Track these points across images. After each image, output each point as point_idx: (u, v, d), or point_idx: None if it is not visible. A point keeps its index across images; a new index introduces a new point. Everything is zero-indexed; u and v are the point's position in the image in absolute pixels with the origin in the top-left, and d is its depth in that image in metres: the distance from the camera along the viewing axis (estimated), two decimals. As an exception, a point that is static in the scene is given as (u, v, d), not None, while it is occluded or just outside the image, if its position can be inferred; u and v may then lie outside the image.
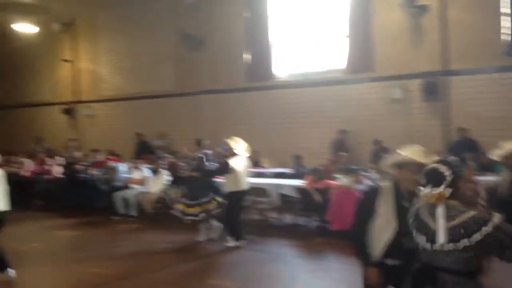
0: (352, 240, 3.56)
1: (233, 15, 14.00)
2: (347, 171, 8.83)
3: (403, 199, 3.36)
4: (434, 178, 2.78)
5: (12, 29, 17.85)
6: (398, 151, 3.49)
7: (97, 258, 7.63)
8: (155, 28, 15.69)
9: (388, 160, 3.53)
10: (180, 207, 8.35)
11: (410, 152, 3.40)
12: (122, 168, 11.95)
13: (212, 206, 8.22)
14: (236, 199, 8.09)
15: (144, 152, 14.19)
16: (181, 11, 14.73)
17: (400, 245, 3.28)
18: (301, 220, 9.61)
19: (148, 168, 11.38)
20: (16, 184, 12.54)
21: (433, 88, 11.20)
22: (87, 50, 17.85)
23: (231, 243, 7.99)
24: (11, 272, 6.28)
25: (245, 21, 13.78)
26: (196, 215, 8.19)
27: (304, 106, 12.96)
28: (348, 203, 7.59)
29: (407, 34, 11.51)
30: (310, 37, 13.30)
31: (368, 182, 8.44)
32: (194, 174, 8.40)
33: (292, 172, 11.03)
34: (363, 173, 8.99)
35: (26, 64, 19.68)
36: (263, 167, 12.55)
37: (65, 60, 18.08)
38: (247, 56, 13.89)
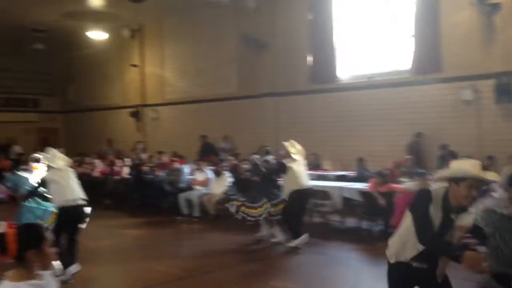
0: (425, 243, 3.25)
1: (297, 17, 13.97)
2: (413, 175, 8.55)
3: (452, 212, 3.20)
4: None
5: (84, 36, 18.78)
6: (453, 164, 3.29)
7: (162, 257, 7.84)
8: (219, 32, 15.97)
9: (444, 173, 3.30)
10: (236, 203, 8.45)
11: (469, 166, 3.17)
12: (186, 169, 12.24)
13: (271, 209, 8.20)
14: (297, 198, 8.00)
15: (208, 154, 14.48)
16: (244, 15, 14.90)
17: (433, 253, 3.21)
18: (364, 224, 9.42)
19: (211, 170, 11.57)
20: (88, 184, 13.21)
21: (506, 89, 10.63)
22: (154, 55, 18.46)
23: (292, 243, 7.94)
24: (73, 269, 6.41)
25: (309, 23, 13.69)
26: (254, 216, 8.22)
27: (367, 108, 12.70)
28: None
29: (478, 33, 11.00)
30: (373, 37, 13.02)
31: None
32: (254, 178, 8.50)
33: (355, 175, 10.83)
34: (430, 177, 8.66)
35: (97, 69, 20.66)
36: (325, 169, 12.43)
37: (133, 65, 18.80)
38: (310, 59, 13.81)
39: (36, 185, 6.87)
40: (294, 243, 7.93)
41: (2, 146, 17.74)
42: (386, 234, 8.31)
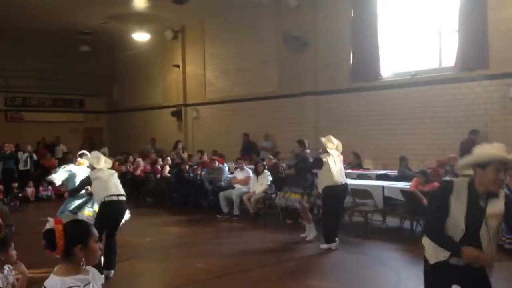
0: (428, 235, 3.25)
1: (339, 14, 13.81)
2: (457, 174, 8.31)
3: (480, 199, 3.05)
4: None
5: (128, 38, 19.22)
6: (478, 149, 3.14)
7: (202, 255, 7.93)
8: (260, 31, 16.01)
9: (469, 158, 3.13)
10: (281, 195, 8.67)
11: (494, 149, 3.05)
12: (227, 168, 12.34)
13: (305, 199, 8.26)
14: (331, 194, 7.90)
15: (249, 152, 14.56)
16: (285, 13, 14.87)
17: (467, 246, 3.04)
18: (406, 224, 9.24)
19: (251, 168, 11.61)
20: (130, 183, 13.55)
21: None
22: (195, 55, 18.68)
23: (324, 245, 7.87)
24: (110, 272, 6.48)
25: (351, 20, 13.52)
26: (294, 200, 8.36)
27: (410, 106, 12.43)
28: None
29: (527, 28, 10.58)
30: (417, 34, 12.73)
31: None
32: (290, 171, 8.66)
33: (397, 174, 10.64)
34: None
35: (141, 70, 21.10)
36: (366, 168, 12.27)
37: (175, 66, 19.10)
38: (352, 56, 13.62)
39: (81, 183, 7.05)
40: (324, 246, 7.86)
41: (48, 145, 18.34)
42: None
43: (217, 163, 12.33)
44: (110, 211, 6.38)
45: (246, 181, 11.35)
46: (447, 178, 3.32)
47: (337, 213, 8.12)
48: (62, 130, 20.51)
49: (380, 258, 7.32)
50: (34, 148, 16.69)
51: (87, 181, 6.67)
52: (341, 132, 13.73)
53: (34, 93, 21.39)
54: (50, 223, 2.48)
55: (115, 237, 6.54)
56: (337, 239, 7.89)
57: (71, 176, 7.50)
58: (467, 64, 11.38)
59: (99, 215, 6.42)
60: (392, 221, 9.55)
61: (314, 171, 8.25)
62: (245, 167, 11.75)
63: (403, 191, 8.81)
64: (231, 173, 12.23)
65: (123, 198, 6.55)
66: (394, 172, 10.92)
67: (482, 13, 11.12)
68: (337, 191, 7.94)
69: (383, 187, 9.23)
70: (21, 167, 15.30)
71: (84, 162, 7.33)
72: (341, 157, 8.25)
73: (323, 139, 8.09)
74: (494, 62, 11.02)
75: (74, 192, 6.98)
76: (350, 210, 9.46)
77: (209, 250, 8.29)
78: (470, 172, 3.13)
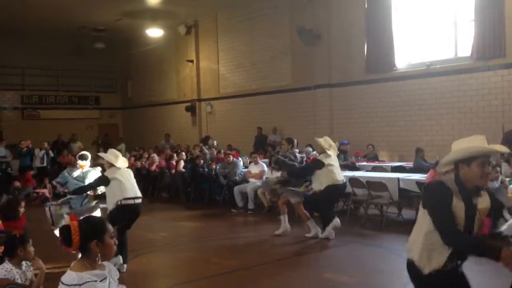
0: (458, 246, 2.91)
1: (353, 6, 13.70)
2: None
3: (473, 197, 2.92)
4: None
5: (142, 34, 19.31)
6: (458, 144, 2.97)
7: (217, 249, 7.97)
8: (273, 24, 15.96)
9: (451, 156, 2.94)
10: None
11: (478, 143, 2.89)
12: (241, 162, 12.36)
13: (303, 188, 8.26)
14: (332, 192, 7.95)
15: (262, 146, 14.56)
16: (298, 6, 14.80)
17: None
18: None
19: (266, 162, 11.61)
20: (146, 178, 13.65)
21: None
22: (208, 50, 18.71)
23: (323, 234, 7.99)
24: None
25: (365, 12, 13.40)
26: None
27: (426, 97, 12.32)
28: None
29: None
30: (431, 23, 12.57)
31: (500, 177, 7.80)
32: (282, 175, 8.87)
33: (412, 165, 10.55)
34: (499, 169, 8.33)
35: (155, 66, 21.20)
36: (382, 160, 12.20)
37: (189, 61, 19.15)
38: (366, 48, 13.50)
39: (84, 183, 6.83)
40: (324, 234, 7.97)
41: (64, 142, 18.49)
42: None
43: (231, 157, 12.35)
44: (125, 214, 6.39)
45: (260, 175, 11.35)
46: (436, 180, 2.95)
47: (329, 207, 8.22)
48: (78, 127, 20.73)
49: (395, 251, 7.27)
50: (51, 145, 16.83)
51: (104, 180, 6.48)
52: (355, 124, 13.74)
53: (50, 91, 21.64)
54: (66, 220, 2.51)
55: (125, 233, 6.57)
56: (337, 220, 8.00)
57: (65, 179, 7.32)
58: (483, 53, 11.21)
59: (113, 216, 6.28)
60: (408, 214, 9.48)
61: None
62: (259, 161, 11.76)
63: (419, 183, 8.73)
64: (246, 167, 12.24)
65: (140, 200, 6.58)
66: (410, 164, 10.84)
67: (499, 2, 10.94)
68: (339, 190, 8.07)
69: (398, 179, 9.16)
70: (37, 164, 15.49)
71: (85, 164, 7.01)
72: (337, 157, 8.29)
73: (321, 140, 8.04)
74: (511, 51, 10.84)
75: (87, 189, 6.64)
76: (366, 203, 9.42)
77: (224, 244, 8.32)
78: (447, 168, 3.01)
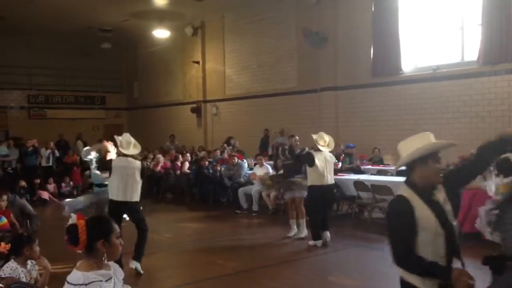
0: (405, 265, 2.75)
1: (359, 9, 13.68)
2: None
3: (431, 195, 2.79)
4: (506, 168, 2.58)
5: (149, 35, 19.36)
6: (408, 145, 2.88)
7: (221, 250, 7.96)
8: (279, 26, 15.97)
9: (408, 157, 2.82)
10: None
11: (430, 140, 2.87)
12: (246, 164, 12.36)
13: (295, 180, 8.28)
14: (316, 194, 7.85)
15: (267, 148, 14.56)
16: (305, 8, 14.80)
17: (457, 247, 2.78)
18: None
19: (271, 164, 11.60)
20: (150, 179, 13.66)
21: None
22: (215, 51, 18.73)
23: (311, 242, 7.88)
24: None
25: (371, 15, 13.38)
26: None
27: (432, 101, 12.28)
28: (477, 203, 7.06)
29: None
30: (438, 27, 12.54)
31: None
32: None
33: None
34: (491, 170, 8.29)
35: (161, 66, 21.25)
36: (387, 164, 12.16)
37: (195, 62, 19.18)
38: (372, 51, 13.48)
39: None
40: (311, 243, 7.86)
41: (66, 142, 18.38)
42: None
43: (236, 159, 12.35)
44: (111, 210, 6.44)
45: (265, 177, 11.33)
46: (397, 195, 2.80)
47: (322, 212, 8.00)
48: (84, 127, 20.79)
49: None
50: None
51: (108, 168, 6.41)
52: (361, 127, 13.71)
53: (56, 91, 21.72)
54: (73, 219, 2.51)
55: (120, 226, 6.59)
56: (327, 232, 7.88)
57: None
58: (490, 58, 11.17)
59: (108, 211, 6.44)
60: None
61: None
62: (264, 163, 11.75)
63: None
64: (251, 169, 12.24)
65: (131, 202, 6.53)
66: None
67: (506, 6, 10.91)
68: (323, 191, 7.84)
69: (403, 183, 9.11)
70: (43, 163, 15.54)
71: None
72: (333, 158, 8.17)
73: (315, 136, 7.95)
74: (519, 56, 10.80)
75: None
76: (370, 206, 9.40)
77: (228, 246, 8.32)
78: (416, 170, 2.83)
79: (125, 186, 6.40)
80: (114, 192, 6.42)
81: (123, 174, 6.40)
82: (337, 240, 8.11)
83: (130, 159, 6.51)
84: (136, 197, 6.53)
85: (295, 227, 8.50)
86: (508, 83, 11.04)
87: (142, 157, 15.34)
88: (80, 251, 2.49)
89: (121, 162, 6.46)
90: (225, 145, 15.11)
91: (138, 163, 6.61)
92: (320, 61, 14.59)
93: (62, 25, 18.37)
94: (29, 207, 8.67)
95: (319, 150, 7.88)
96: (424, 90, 12.46)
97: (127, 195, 6.44)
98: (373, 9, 13.34)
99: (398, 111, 12.98)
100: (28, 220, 8.43)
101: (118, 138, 6.56)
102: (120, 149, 6.45)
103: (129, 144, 6.48)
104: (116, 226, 2.60)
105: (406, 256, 2.70)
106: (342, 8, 14.14)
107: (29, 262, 4.39)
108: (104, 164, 6.70)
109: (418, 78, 12.67)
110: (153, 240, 8.29)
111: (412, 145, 2.86)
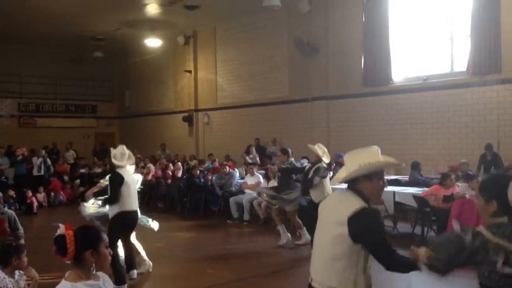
0: (399, 269, 2.87)
1: (350, 19, 13.78)
2: (465, 178, 8.29)
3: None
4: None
5: (140, 44, 19.38)
6: (351, 158, 2.88)
7: (213, 260, 7.93)
8: (271, 36, 16.05)
9: (354, 172, 2.77)
10: (264, 196, 8.81)
11: (379, 157, 2.86)
12: (237, 173, 12.36)
13: (288, 196, 8.27)
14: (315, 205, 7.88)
15: (259, 157, 14.56)
16: (296, 18, 14.90)
17: None
18: (417, 229, 9.16)
19: (262, 173, 11.62)
20: (141, 188, 13.58)
21: None
22: (206, 60, 18.77)
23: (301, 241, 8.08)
24: (134, 273, 6.65)
25: (362, 25, 13.49)
26: (273, 204, 8.55)
27: (422, 111, 12.36)
28: (467, 212, 7.15)
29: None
30: (428, 38, 12.67)
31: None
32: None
33: (408, 179, 10.57)
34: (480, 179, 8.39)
35: (153, 75, 21.26)
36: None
37: (187, 71, 19.21)
38: (363, 61, 13.58)
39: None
40: (301, 241, 8.10)
41: (55, 150, 18.27)
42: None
43: (227, 168, 12.35)
44: (125, 222, 6.36)
45: (256, 186, 11.34)
46: (364, 207, 2.72)
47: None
48: (75, 136, 20.70)
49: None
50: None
51: (119, 183, 6.22)
52: (352, 137, 13.76)
53: (47, 99, 21.61)
54: (61, 229, 2.51)
55: (129, 239, 6.57)
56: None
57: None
58: (479, 68, 11.30)
59: (113, 224, 6.28)
60: (403, 227, 9.48)
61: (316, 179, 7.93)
62: (255, 172, 11.76)
63: (415, 197, 8.76)
64: (242, 178, 12.24)
65: (137, 210, 6.54)
66: (405, 178, 10.86)
67: (495, 18, 11.04)
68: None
69: (394, 192, 9.18)
70: (35, 172, 15.40)
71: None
72: (328, 167, 8.26)
73: (315, 148, 7.82)
74: (507, 67, 10.93)
75: (111, 200, 6.37)
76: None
77: (219, 255, 8.30)
78: (341, 182, 2.85)
79: (134, 195, 6.44)
80: (129, 203, 6.33)
81: (130, 184, 6.37)
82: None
83: (127, 167, 6.50)
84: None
85: (284, 232, 8.50)
86: (496, 93, 11.15)
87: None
88: (68, 262, 2.49)
89: (124, 174, 6.37)
90: (244, 154, 14.99)
91: (136, 175, 6.82)
92: (311, 70, 14.67)
93: (54, 34, 18.33)
94: (17, 220, 8.59)
95: (322, 161, 7.78)
96: (414, 100, 12.55)
97: (137, 203, 6.51)
98: (363, 20, 13.46)
99: (388, 120, 13.06)
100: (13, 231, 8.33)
101: (113, 151, 6.53)
102: (113, 160, 6.42)
103: (123, 155, 6.45)
104: (105, 236, 2.60)
105: (399, 261, 2.77)
106: (333, 18, 14.25)
107: (17, 272, 4.36)
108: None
109: (408, 88, 12.77)
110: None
111: (361, 158, 2.82)
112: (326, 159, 7.92)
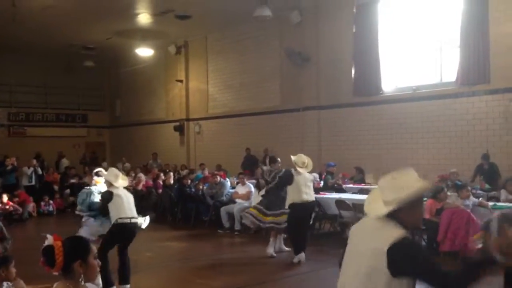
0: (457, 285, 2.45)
1: (341, 30, 13.89)
2: (455, 188, 8.34)
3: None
4: None
5: (132, 53, 19.38)
6: (399, 183, 2.58)
7: (203, 270, 7.91)
8: (262, 46, 16.13)
9: (399, 197, 2.51)
10: (252, 210, 8.72)
11: (420, 182, 2.58)
12: (228, 183, 12.34)
13: (280, 218, 8.30)
14: (296, 211, 8.00)
15: (250, 167, 14.54)
16: (287, 28, 15.00)
17: None
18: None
19: (253, 183, 11.60)
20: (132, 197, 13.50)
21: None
22: (198, 70, 18.81)
23: (295, 259, 7.95)
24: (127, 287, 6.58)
25: (353, 36, 13.60)
26: (265, 223, 8.48)
27: (412, 121, 12.46)
28: (457, 222, 7.18)
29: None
30: (418, 49, 12.81)
31: (474, 200, 7.99)
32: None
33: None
34: (470, 189, 8.46)
35: (144, 85, 21.24)
36: (368, 183, 12.25)
37: (178, 80, 19.22)
38: (353, 71, 13.68)
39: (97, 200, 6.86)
40: (296, 259, 7.94)
41: (42, 161, 18.12)
42: (431, 250, 8.11)
43: (219, 177, 12.32)
44: (121, 233, 6.35)
45: (247, 196, 11.33)
46: (403, 237, 2.44)
47: (302, 228, 8.15)
48: (65, 145, 20.59)
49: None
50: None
51: (108, 197, 6.38)
52: (343, 147, 13.83)
53: (37, 108, 21.51)
54: (49, 240, 2.49)
55: (125, 252, 6.52)
56: (303, 253, 7.96)
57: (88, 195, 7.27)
58: (468, 79, 11.42)
59: (109, 234, 6.33)
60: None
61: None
62: (246, 182, 11.75)
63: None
64: (233, 187, 12.22)
65: (136, 220, 6.51)
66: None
67: (484, 29, 11.19)
68: (303, 208, 8.04)
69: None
70: (25, 182, 15.26)
71: (100, 180, 7.06)
72: (311, 177, 8.43)
73: (293, 158, 8.20)
74: (495, 77, 11.06)
75: (101, 212, 6.62)
76: (352, 225, 9.41)
77: (210, 265, 8.27)
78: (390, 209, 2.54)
79: (129, 204, 6.45)
80: (126, 212, 6.35)
81: (124, 198, 6.41)
82: (319, 259, 8.11)
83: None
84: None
85: (272, 243, 8.54)
86: (485, 103, 11.27)
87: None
88: (56, 273, 2.47)
89: (118, 190, 6.44)
90: (261, 164, 14.86)
91: (130, 194, 6.76)
92: (302, 80, 14.74)
93: (45, 43, 18.29)
94: (4, 229, 8.51)
95: (297, 170, 8.06)
96: (404, 110, 12.65)
97: (133, 211, 6.51)
98: (354, 30, 13.57)
99: (379, 130, 13.14)
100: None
101: (104, 173, 6.75)
102: (110, 183, 6.50)
103: (117, 176, 6.54)
104: (93, 247, 2.58)
105: (464, 275, 2.45)
106: (324, 29, 14.36)
107: (5, 284, 4.31)
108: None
109: (398, 98, 12.87)
110: (133, 260, 8.14)
111: (403, 183, 2.57)
112: (305, 170, 8.10)
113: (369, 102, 13.33)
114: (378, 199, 2.66)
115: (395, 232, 2.47)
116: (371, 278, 2.46)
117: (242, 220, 9.96)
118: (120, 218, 6.29)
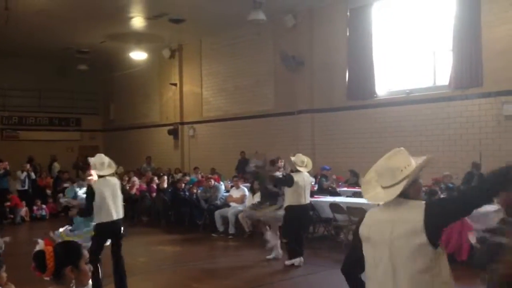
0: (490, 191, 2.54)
1: (335, 34, 13.93)
2: (448, 191, 8.37)
3: None
4: None
5: (125, 57, 19.33)
6: (407, 160, 2.71)
7: (198, 274, 7.88)
8: (256, 50, 16.15)
9: (416, 170, 2.64)
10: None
11: (409, 157, 2.75)
12: (223, 186, 12.33)
13: (270, 209, 8.38)
14: (294, 213, 8.00)
15: (244, 170, 14.54)
16: (281, 32, 15.03)
17: None
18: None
19: (247, 186, 11.59)
20: (126, 201, 13.46)
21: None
22: (192, 73, 18.79)
23: (288, 262, 7.94)
24: None
25: (347, 40, 13.64)
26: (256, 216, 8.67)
27: (406, 124, 12.50)
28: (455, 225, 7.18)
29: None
30: (411, 52, 12.87)
31: None
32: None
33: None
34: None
35: (138, 88, 21.19)
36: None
37: (172, 84, 19.19)
38: (347, 75, 13.71)
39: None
40: (288, 262, 7.93)
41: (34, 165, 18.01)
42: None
43: (213, 181, 12.31)
44: (103, 233, 6.27)
45: (241, 200, 11.32)
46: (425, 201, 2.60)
47: (298, 230, 8.15)
48: (58, 149, 20.46)
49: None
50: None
51: (91, 195, 6.18)
52: (336, 149, 13.85)
53: (30, 112, 21.38)
54: (40, 245, 2.47)
55: (119, 254, 6.41)
56: (301, 257, 7.97)
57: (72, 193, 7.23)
58: (461, 82, 11.48)
59: (94, 237, 6.25)
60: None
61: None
62: (240, 186, 11.74)
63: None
64: (227, 191, 12.20)
65: (119, 219, 6.38)
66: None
67: (476, 32, 11.26)
68: (301, 211, 8.07)
69: (378, 205, 9.19)
70: (19, 187, 15.15)
71: (94, 174, 6.71)
72: (311, 178, 8.55)
73: (293, 158, 8.19)
74: (488, 80, 11.12)
75: (85, 213, 6.43)
76: (346, 228, 9.43)
77: (205, 269, 8.24)
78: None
79: (114, 204, 6.27)
80: (106, 213, 6.20)
81: (107, 194, 6.22)
82: (313, 262, 8.11)
83: (107, 178, 6.36)
84: (122, 213, 6.45)
85: (269, 238, 8.53)
86: (478, 107, 11.33)
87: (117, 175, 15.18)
88: (47, 278, 2.45)
89: (100, 184, 6.27)
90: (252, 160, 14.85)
91: (115, 179, 6.52)
92: (296, 84, 14.76)
93: (38, 46, 18.22)
94: None
95: (297, 171, 8.05)
96: (397, 113, 12.69)
97: (119, 212, 6.34)
98: (348, 34, 13.62)
99: (372, 133, 13.17)
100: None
101: (91, 160, 6.45)
102: (93, 170, 6.34)
103: (103, 164, 6.32)
104: (85, 252, 2.57)
105: (490, 182, 2.53)
106: (318, 33, 14.39)
107: (-4, 288, 4.27)
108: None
109: (392, 101, 12.92)
110: (127, 264, 8.11)
111: (402, 162, 2.68)
112: (305, 169, 8.14)
113: (363, 106, 13.36)
114: (374, 187, 2.78)
115: (416, 205, 2.54)
116: (417, 259, 2.45)
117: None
118: (102, 221, 6.17)
